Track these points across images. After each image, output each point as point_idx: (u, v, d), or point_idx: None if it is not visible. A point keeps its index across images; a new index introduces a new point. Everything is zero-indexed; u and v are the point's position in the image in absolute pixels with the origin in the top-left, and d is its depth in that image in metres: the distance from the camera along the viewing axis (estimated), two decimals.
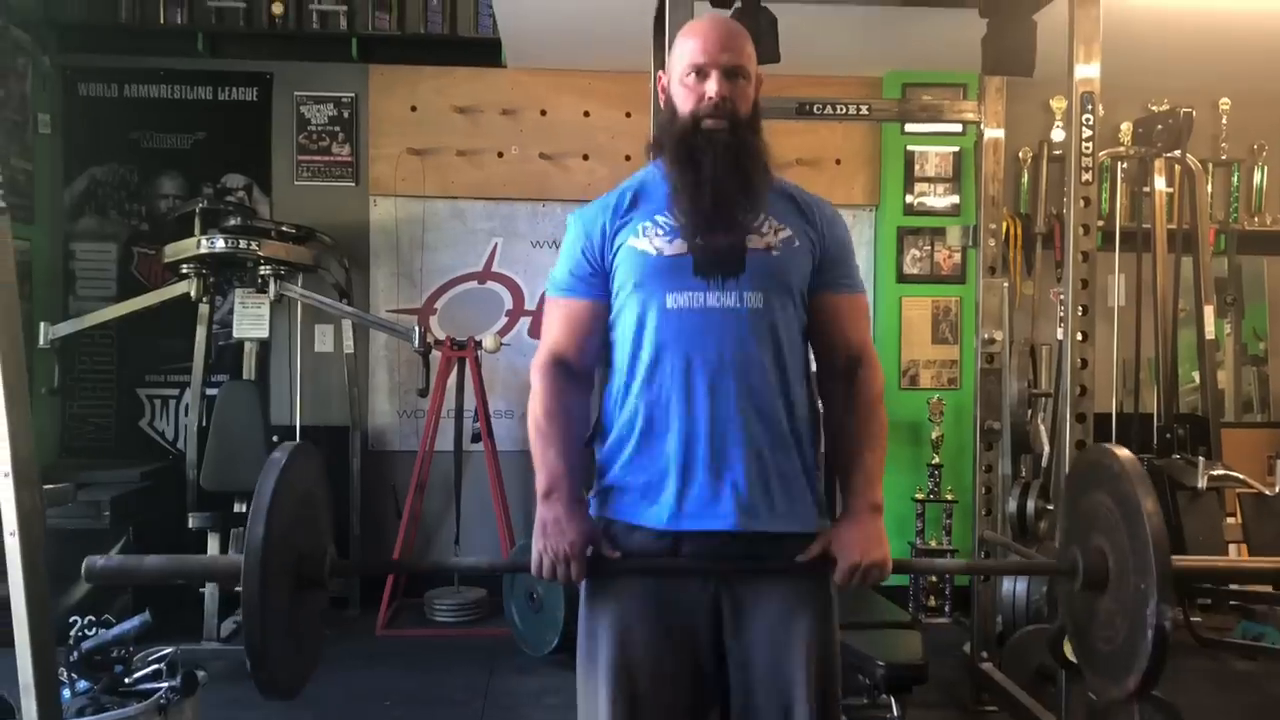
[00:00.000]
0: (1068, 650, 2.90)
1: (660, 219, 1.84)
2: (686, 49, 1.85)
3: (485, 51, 5.08)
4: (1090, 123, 2.95)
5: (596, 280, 1.88)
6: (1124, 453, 1.84)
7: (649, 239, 1.83)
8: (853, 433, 1.89)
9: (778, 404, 1.84)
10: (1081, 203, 2.97)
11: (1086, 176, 2.96)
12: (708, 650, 1.85)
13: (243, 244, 4.31)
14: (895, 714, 2.79)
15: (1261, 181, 5.30)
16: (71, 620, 2.88)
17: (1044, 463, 4.50)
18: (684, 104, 1.84)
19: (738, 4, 3.00)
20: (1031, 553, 3.60)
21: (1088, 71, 2.95)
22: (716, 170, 1.78)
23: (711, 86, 1.81)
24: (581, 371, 1.92)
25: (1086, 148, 2.96)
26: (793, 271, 1.85)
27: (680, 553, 1.84)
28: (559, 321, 1.91)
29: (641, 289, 1.83)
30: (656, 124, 1.97)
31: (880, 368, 1.94)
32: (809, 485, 1.89)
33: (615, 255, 1.86)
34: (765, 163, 1.86)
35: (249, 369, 4.74)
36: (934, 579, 4.91)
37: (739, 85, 1.84)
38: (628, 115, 5.06)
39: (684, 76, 1.84)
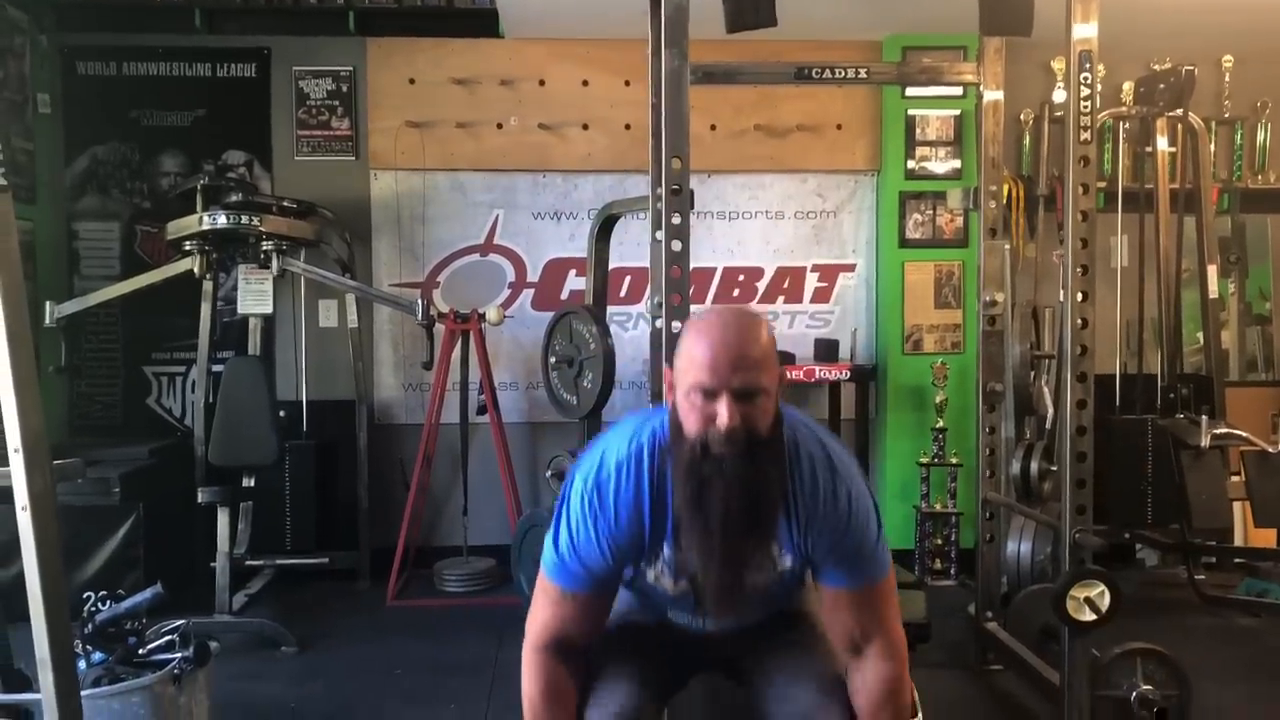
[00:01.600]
0: (1070, 609, 2.93)
1: (669, 555, 1.80)
2: (694, 362, 1.66)
3: (482, 22, 5.07)
4: (1089, 82, 2.94)
5: (616, 575, 1.84)
6: None
7: (659, 574, 1.84)
8: (864, 713, 1.84)
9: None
10: (1081, 162, 2.96)
11: (1085, 136, 2.95)
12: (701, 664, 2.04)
13: (244, 220, 4.32)
14: None
15: (1265, 139, 5.27)
16: (85, 595, 2.91)
17: (1048, 424, 4.53)
18: (691, 424, 1.67)
19: None
20: (1036, 513, 3.62)
21: (1086, 31, 2.94)
22: (727, 510, 1.65)
23: (722, 414, 1.64)
24: (583, 648, 1.89)
25: (1085, 107, 2.95)
26: (791, 594, 1.94)
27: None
28: (565, 613, 1.82)
29: (645, 602, 1.96)
30: (666, 427, 1.77)
31: (898, 655, 1.82)
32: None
33: (635, 578, 1.88)
34: (781, 478, 1.72)
35: (254, 345, 4.76)
36: (938, 540, 4.94)
37: (755, 404, 1.66)
38: (626, 84, 5.04)
39: (689, 393, 1.67)
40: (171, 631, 2.85)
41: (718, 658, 2.01)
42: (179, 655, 2.76)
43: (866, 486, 1.80)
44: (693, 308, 2.86)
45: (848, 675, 1.85)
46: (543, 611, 1.83)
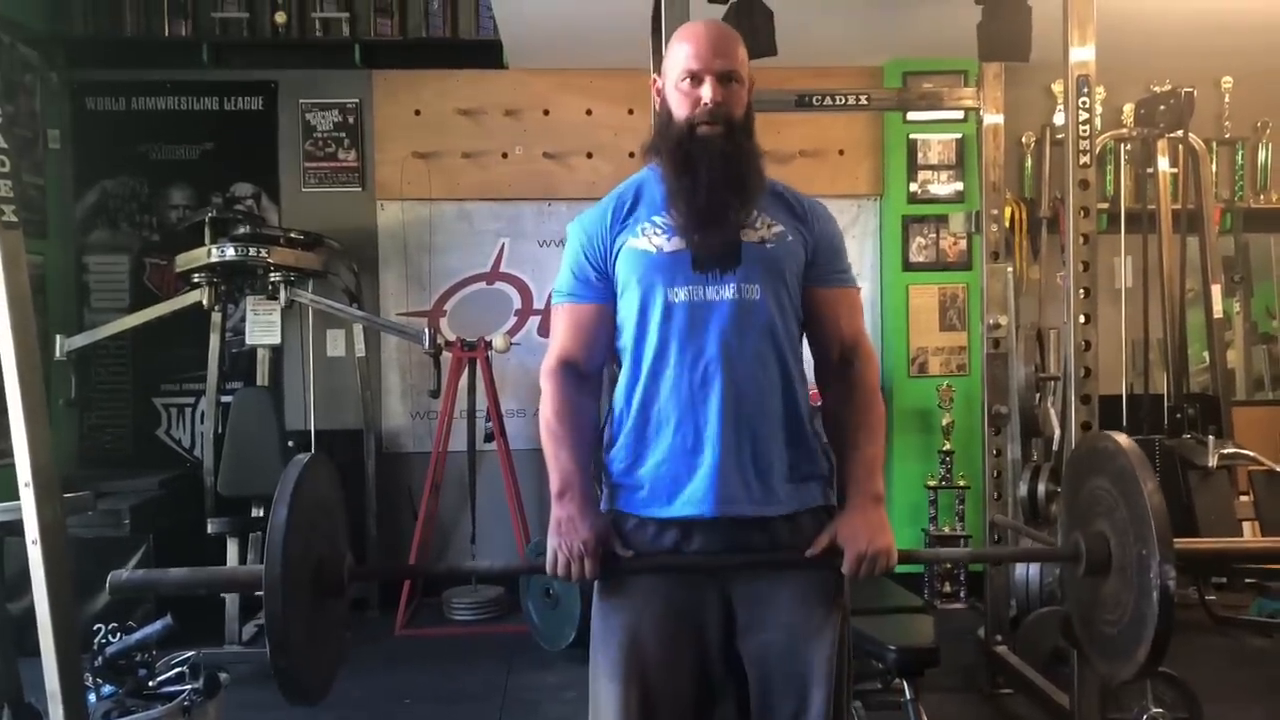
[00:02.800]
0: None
1: (658, 219, 1.88)
2: (680, 54, 1.88)
3: (487, 54, 5.11)
4: (1087, 105, 2.96)
5: (601, 284, 1.92)
6: (1120, 436, 1.87)
7: (648, 238, 1.87)
8: (850, 425, 1.92)
9: (778, 392, 1.87)
10: (1080, 186, 2.99)
11: (1085, 159, 2.98)
12: (716, 648, 1.89)
13: (252, 252, 4.35)
14: (908, 697, 2.81)
15: (1266, 159, 5.29)
16: (96, 628, 2.93)
17: (1055, 446, 4.53)
18: (679, 109, 1.87)
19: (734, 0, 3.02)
20: (1043, 535, 3.61)
21: (1083, 54, 2.97)
22: (711, 175, 1.82)
23: (706, 92, 1.84)
24: (590, 374, 1.96)
25: (1084, 130, 2.98)
26: (786, 262, 1.89)
27: (691, 543, 1.87)
28: (566, 326, 1.95)
29: (642, 284, 1.86)
30: (653, 127, 1.98)
31: (875, 359, 1.98)
32: (814, 466, 1.93)
33: (616, 256, 1.89)
34: (759, 165, 1.89)
35: (263, 375, 4.79)
36: (948, 565, 4.93)
37: (732, 90, 1.86)
38: (630, 112, 5.08)
39: (678, 82, 1.87)
40: (182, 663, 2.86)
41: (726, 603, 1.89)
42: (189, 687, 2.77)
43: None
44: None
45: (831, 387, 1.97)
46: (554, 339, 1.97)
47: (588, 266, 1.91)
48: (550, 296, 5.27)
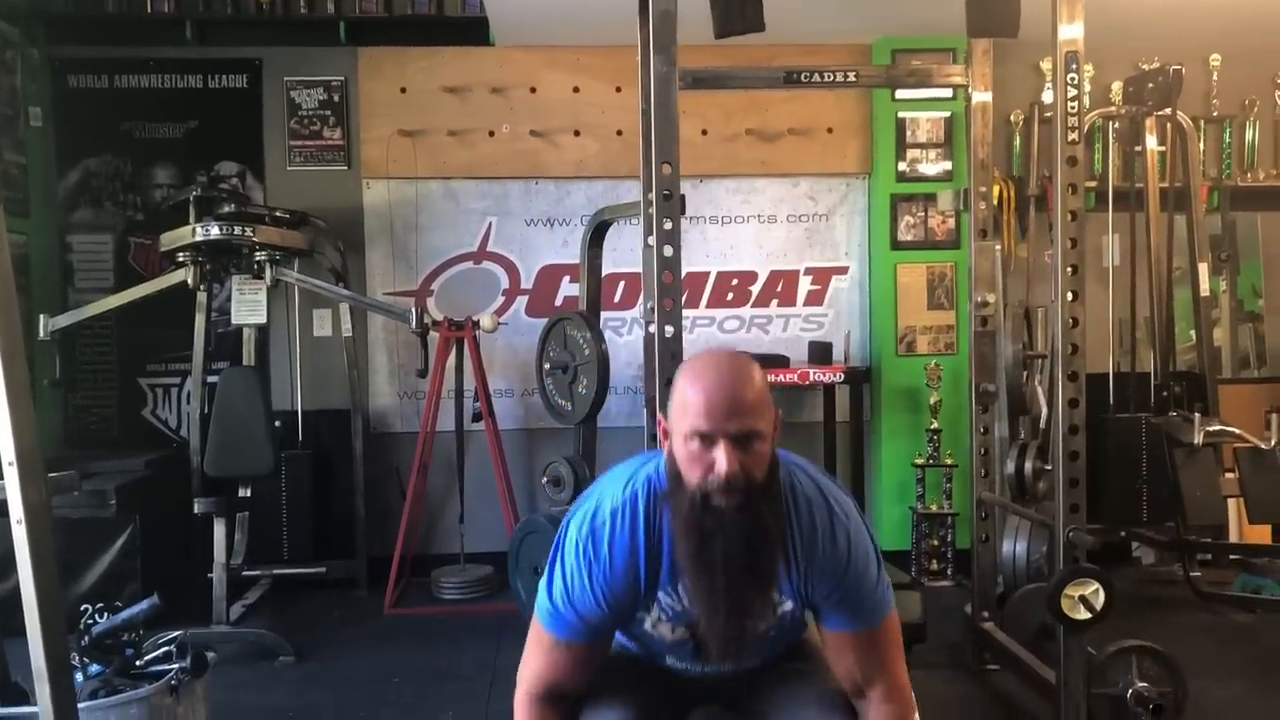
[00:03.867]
0: (1065, 607, 2.94)
1: (666, 600, 1.78)
2: (689, 408, 1.65)
3: (473, 30, 5.08)
4: (1075, 82, 2.95)
5: (611, 626, 1.82)
6: None
7: (655, 621, 1.82)
8: None
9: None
10: (1069, 163, 2.98)
11: (1073, 136, 2.97)
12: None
13: (237, 230, 4.32)
14: None
15: (1253, 137, 5.30)
16: (82, 608, 2.91)
17: (1042, 424, 4.54)
18: (689, 471, 1.65)
19: None
20: (1030, 512, 3.63)
21: (1072, 32, 2.95)
22: (729, 564, 1.64)
23: (721, 461, 1.61)
24: (579, 698, 1.88)
25: (1072, 108, 2.97)
26: (790, 637, 1.93)
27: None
28: (557, 662, 1.80)
29: (645, 652, 1.93)
30: (663, 473, 1.76)
31: (902, 700, 1.81)
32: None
33: (631, 624, 1.84)
34: (778, 530, 1.70)
35: (249, 355, 4.76)
36: (935, 541, 4.95)
37: (752, 449, 1.64)
38: (618, 90, 5.06)
39: (687, 439, 1.65)
40: (169, 643, 2.85)
41: (715, 692, 1.99)
42: (176, 666, 2.76)
43: (865, 525, 1.79)
44: (685, 313, 2.86)
45: (861, 709, 1.85)
46: (536, 660, 1.82)
47: (604, 616, 1.76)
48: (539, 273, 5.26)
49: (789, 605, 1.78)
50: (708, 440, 1.62)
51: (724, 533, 1.62)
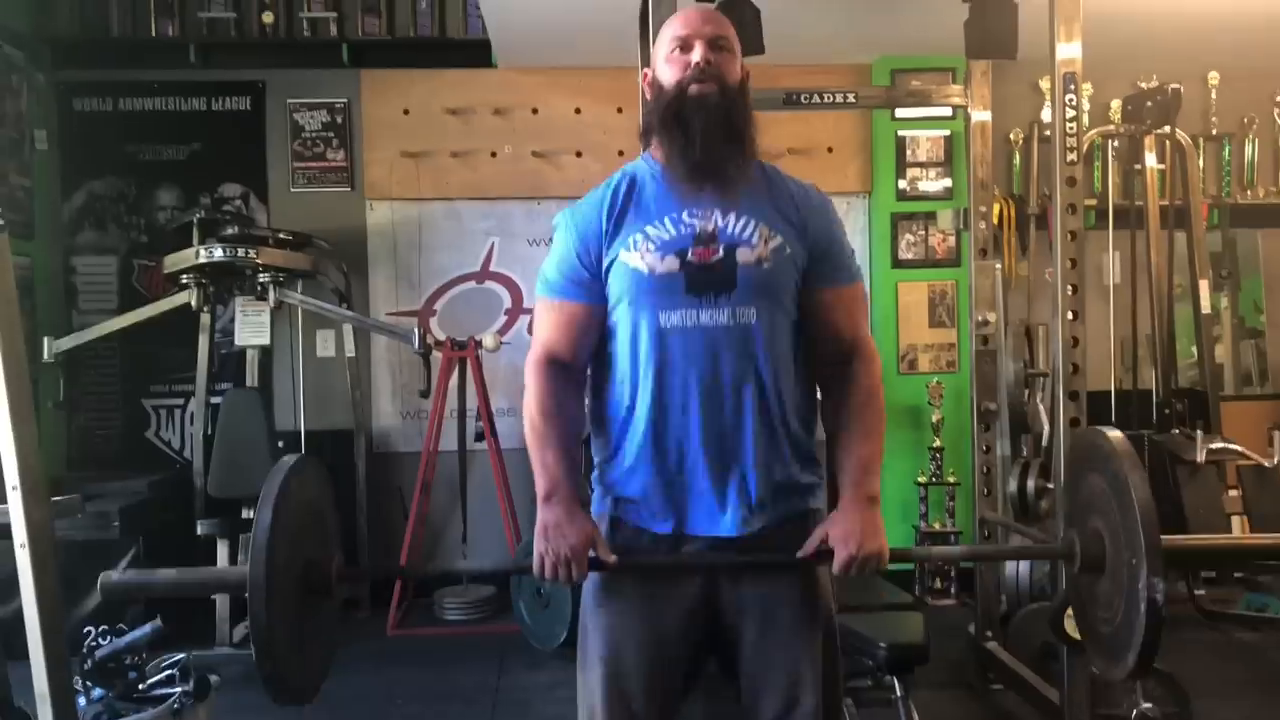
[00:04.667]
0: (1069, 627, 2.93)
1: (652, 231, 1.82)
2: (669, 30, 1.88)
3: (475, 52, 5.10)
4: (1074, 102, 2.97)
5: (591, 284, 1.87)
6: (1114, 433, 1.87)
7: (640, 254, 1.81)
8: (848, 424, 1.89)
9: (773, 415, 1.85)
10: (1068, 183, 3.00)
11: (1072, 156, 2.99)
12: (701, 647, 1.91)
13: (241, 252, 4.35)
14: (899, 694, 2.82)
15: (1253, 155, 5.31)
16: (85, 630, 2.92)
17: (1044, 442, 4.54)
18: (670, 77, 1.85)
19: None
20: (1034, 532, 3.62)
21: (1069, 51, 2.97)
22: (707, 126, 1.79)
23: (697, 53, 1.82)
24: (576, 370, 1.93)
25: (1071, 127, 2.99)
26: (784, 282, 1.85)
27: (681, 549, 1.87)
28: (553, 323, 1.90)
29: (635, 306, 1.83)
30: (644, 110, 1.95)
31: (877, 357, 1.94)
32: (802, 478, 1.92)
33: (610, 266, 1.85)
34: (753, 127, 1.86)
35: (252, 376, 4.78)
36: (939, 562, 4.94)
37: (724, 56, 1.85)
38: (619, 111, 5.08)
39: (668, 54, 1.86)
40: (171, 666, 2.86)
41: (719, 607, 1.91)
42: (179, 690, 2.76)
43: None
44: None
45: (828, 387, 1.94)
46: (538, 333, 1.94)
47: (579, 267, 1.87)
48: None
49: (780, 240, 1.84)
50: (686, 46, 1.84)
51: (702, 109, 1.80)
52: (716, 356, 1.81)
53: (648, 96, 1.93)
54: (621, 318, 1.85)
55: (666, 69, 1.85)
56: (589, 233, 1.87)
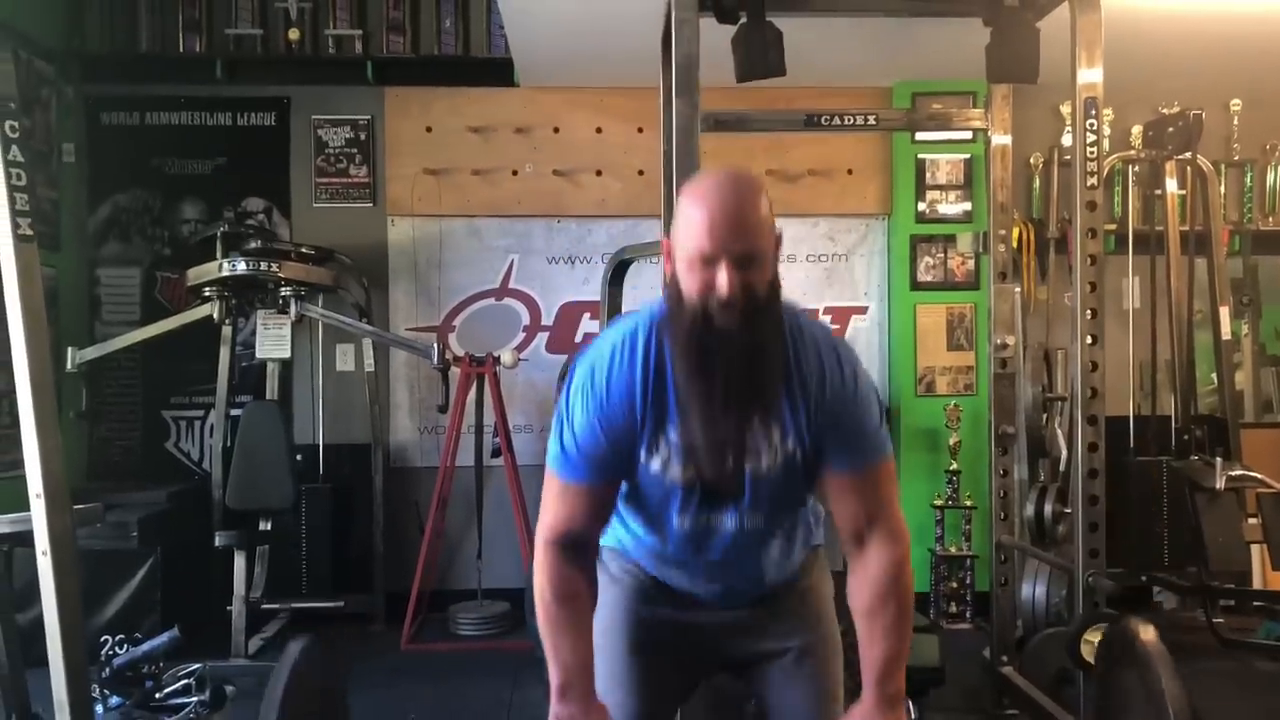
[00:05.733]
0: (1085, 652, 2.91)
1: (674, 435, 1.73)
2: (691, 230, 1.63)
3: (498, 71, 5.15)
4: (1094, 127, 2.97)
5: (616, 464, 1.76)
6: (1148, 635, 1.82)
7: (662, 460, 1.75)
8: (870, 616, 1.80)
9: (786, 560, 1.92)
10: (1088, 207, 2.99)
11: (1092, 181, 2.98)
12: (708, 665, 1.99)
13: (263, 266, 4.38)
14: (913, 717, 2.81)
15: (1275, 181, 5.29)
16: (103, 639, 2.94)
17: (1062, 466, 4.52)
18: (690, 290, 1.63)
19: (743, 19, 3.03)
20: (1049, 556, 3.61)
21: (1091, 76, 2.98)
22: (729, 383, 1.63)
23: (722, 281, 1.59)
24: (591, 545, 1.86)
25: (1092, 152, 2.98)
26: (792, 488, 1.81)
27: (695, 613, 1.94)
28: (568, 503, 1.79)
29: (652, 503, 1.82)
30: (663, 300, 1.75)
31: (904, 537, 1.81)
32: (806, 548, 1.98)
33: (636, 461, 1.77)
34: (780, 353, 1.70)
35: (272, 389, 4.81)
36: (954, 584, 4.92)
37: (754, 270, 1.62)
38: (640, 130, 5.11)
39: (690, 262, 1.63)
40: (188, 675, 2.88)
41: (726, 655, 1.97)
42: (195, 699, 2.78)
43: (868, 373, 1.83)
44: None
45: (851, 567, 1.84)
46: (550, 508, 1.81)
47: (604, 445, 1.73)
48: (559, 310, 5.27)
49: (791, 444, 1.74)
50: (709, 262, 1.61)
51: (724, 349, 1.62)
52: (725, 548, 1.82)
53: (664, 273, 1.77)
54: (639, 500, 1.86)
55: (686, 276, 1.64)
56: (619, 417, 1.72)
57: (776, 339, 1.68)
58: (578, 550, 1.80)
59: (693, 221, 1.62)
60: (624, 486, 1.82)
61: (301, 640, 1.75)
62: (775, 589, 1.93)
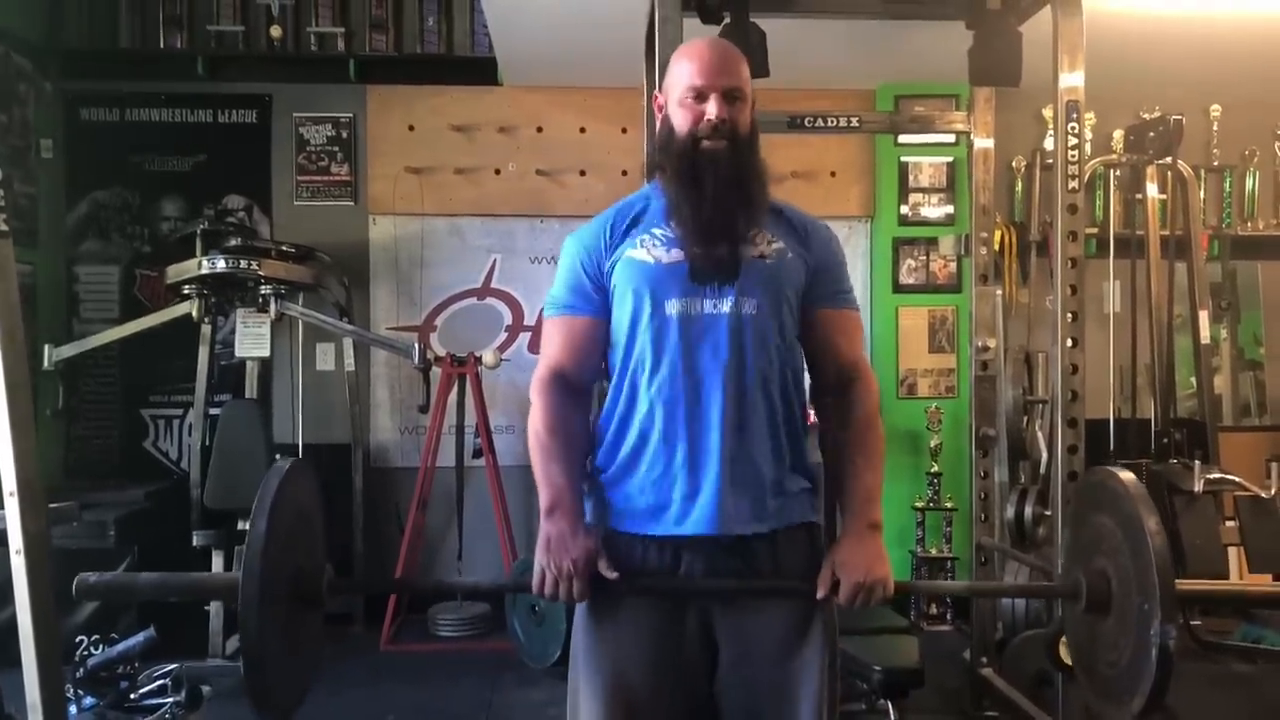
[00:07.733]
0: (1064, 654, 2.92)
1: (658, 231, 1.85)
2: (684, 71, 1.87)
3: (481, 70, 5.13)
4: (1076, 131, 2.99)
5: (596, 296, 1.89)
6: (1127, 475, 1.84)
7: (647, 249, 1.85)
8: (848, 451, 1.89)
9: (775, 410, 1.85)
10: (1069, 211, 3.01)
11: (1073, 184, 3.00)
12: (703, 677, 1.86)
13: (243, 264, 4.35)
14: (893, 718, 2.81)
15: (1254, 187, 5.33)
16: (78, 639, 2.91)
17: (1042, 469, 4.54)
18: (682, 124, 1.85)
19: (726, 20, 3.03)
20: (1031, 559, 3.62)
21: (1072, 80, 3.00)
22: (717, 187, 1.80)
23: (711, 108, 1.83)
24: (581, 387, 1.93)
25: (1073, 156, 3.00)
26: (786, 278, 1.86)
27: (680, 565, 1.84)
28: (558, 338, 1.92)
29: (635, 294, 1.83)
30: (654, 144, 1.97)
31: (875, 382, 1.95)
32: (801, 482, 1.92)
33: (614, 268, 1.86)
34: (764, 181, 1.88)
35: (251, 388, 4.77)
36: None
37: (737, 106, 1.85)
38: (623, 131, 5.11)
39: (682, 98, 1.86)
40: (164, 676, 2.85)
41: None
42: (171, 700, 2.76)
43: None
44: None
45: (834, 413, 1.94)
46: (545, 350, 1.95)
47: (583, 278, 1.89)
48: (541, 311, 5.28)
49: (781, 244, 1.88)
50: (700, 96, 1.84)
51: (713, 167, 1.82)
52: (716, 344, 1.81)
53: (658, 124, 1.95)
54: (622, 310, 1.86)
55: (679, 113, 1.86)
56: (594, 244, 1.90)
57: (759, 169, 1.88)
58: (570, 388, 1.91)
59: (685, 65, 1.88)
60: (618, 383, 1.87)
61: (286, 463, 1.81)
62: (776, 540, 1.86)
